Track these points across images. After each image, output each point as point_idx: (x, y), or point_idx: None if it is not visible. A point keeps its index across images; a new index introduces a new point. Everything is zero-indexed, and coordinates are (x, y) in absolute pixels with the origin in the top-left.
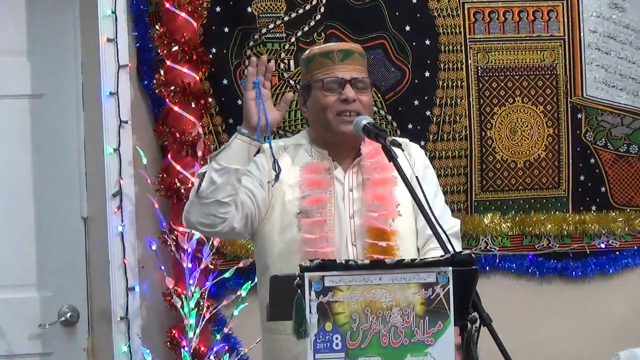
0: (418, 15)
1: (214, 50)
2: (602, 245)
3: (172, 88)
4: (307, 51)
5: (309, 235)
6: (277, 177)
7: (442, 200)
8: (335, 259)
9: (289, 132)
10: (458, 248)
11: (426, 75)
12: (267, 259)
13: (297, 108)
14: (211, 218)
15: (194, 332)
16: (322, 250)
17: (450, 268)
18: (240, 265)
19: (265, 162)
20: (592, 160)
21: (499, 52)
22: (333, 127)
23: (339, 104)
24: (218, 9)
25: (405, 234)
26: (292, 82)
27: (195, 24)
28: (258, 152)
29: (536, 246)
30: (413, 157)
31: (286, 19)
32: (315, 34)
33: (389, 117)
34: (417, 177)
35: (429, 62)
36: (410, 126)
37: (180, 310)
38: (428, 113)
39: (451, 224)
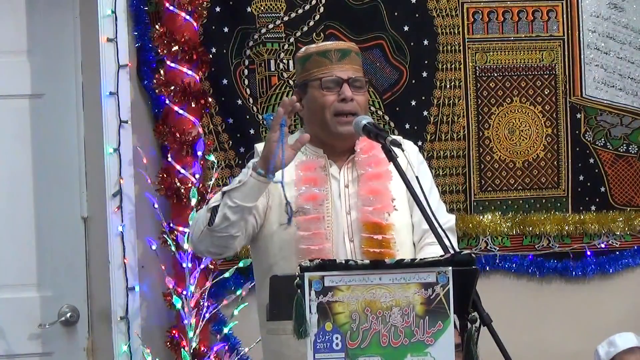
0: (417, 15)
1: (214, 50)
2: (602, 245)
3: (172, 88)
4: (303, 49)
5: (305, 233)
6: (289, 220)
7: (437, 196)
8: (335, 259)
9: (289, 132)
10: (454, 242)
11: (424, 75)
12: (271, 259)
13: None
14: (221, 248)
15: (194, 332)
16: (318, 247)
17: (450, 268)
18: (240, 265)
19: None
20: (592, 160)
21: (497, 52)
22: (330, 127)
23: (337, 104)
24: (218, 9)
25: (400, 228)
26: (291, 82)
27: (195, 24)
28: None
29: (536, 246)
30: (408, 155)
31: (286, 19)
32: (314, 34)
33: (387, 117)
34: (417, 177)
35: (426, 62)
36: (407, 126)
37: (180, 310)
38: (425, 113)
39: (446, 219)
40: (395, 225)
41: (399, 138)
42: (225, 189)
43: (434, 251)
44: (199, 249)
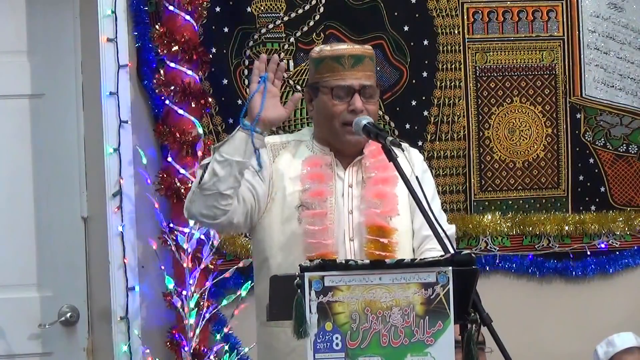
0: (417, 15)
1: (214, 50)
2: (602, 245)
3: (172, 88)
4: (318, 49)
5: (311, 227)
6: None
7: (439, 205)
8: (335, 259)
9: (289, 132)
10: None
11: (424, 75)
12: (267, 252)
13: (301, 107)
14: (212, 210)
15: (194, 332)
16: (323, 242)
17: (450, 268)
18: (240, 265)
19: (267, 158)
20: (592, 160)
21: (497, 52)
22: (339, 136)
23: (346, 114)
24: (218, 9)
25: (402, 232)
26: (291, 82)
27: (195, 24)
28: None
29: (536, 246)
30: (412, 161)
31: (286, 19)
32: (314, 34)
33: (387, 117)
34: (417, 177)
35: (426, 62)
36: (407, 126)
37: (180, 310)
38: (426, 113)
39: (446, 228)
40: (398, 229)
41: (405, 145)
42: (214, 145)
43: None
44: (192, 211)
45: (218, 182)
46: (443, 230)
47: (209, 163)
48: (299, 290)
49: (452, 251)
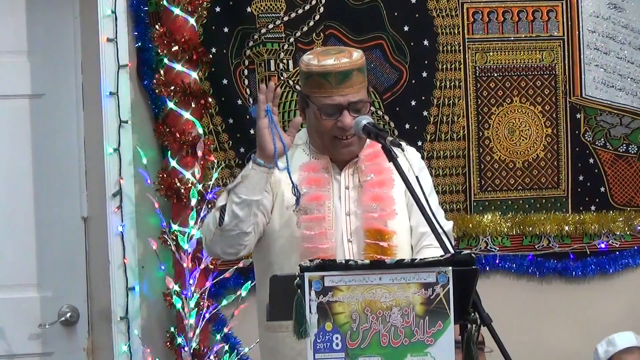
0: (417, 15)
1: (214, 50)
2: (602, 245)
3: (172, 88)
4: (306, 61)
5: (308, 232)
6: (297, 201)
7: (436, 201)
8: (335, 259)
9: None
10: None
11: (423, 75)
12: (271, 257)
13: (296, 108)
14: (236, 247)
15: (194, 332)
16: (321, 247)
17: (450, 268)
18: (240, 265)
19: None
20: (591, 160)
21: (497, 52)
22: (330, 149)
23: (336, 129)
24: (218, 9)
25: (400, 232)
26: (290, 82)
27: (195, 24)
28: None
29: (536, 246)
30: (410, 160)
31: (285, 19)
32: (314, 34)
33: (387, 117)
34: (417, 177)
35: (426, 62)
36: (407, 126)
37: (180, 310)
38: (425, 113)
39: (443, 224)
40: (396, 230)
41: (402, 144)
42: (229, 187)
43: (431, 254)
44: (215, 251)
45: (240, 223)
46: (441, 227)
47: (224, 205)
48: (299, 290)
49: (450, 248)
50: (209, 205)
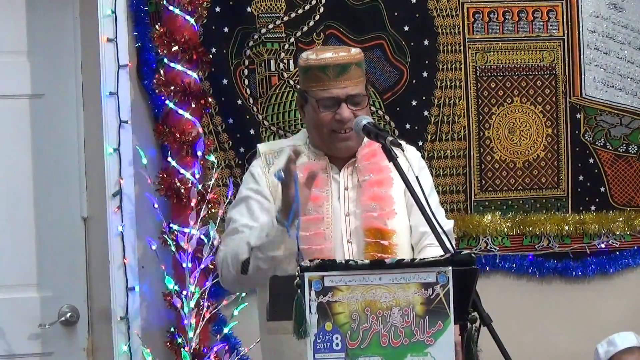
0: (417, 15)
1: (214, 50)
2: (602, 245)
3: (172, 88)
4: (305, 57)
5: (305, 233)
6: (299, 254)
7: (436, 200)
8: (335, 259)
9: (289, 132)
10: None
11: (424, 75)
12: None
13: (296, 109)
14: (254, 286)
15: (194, 332)
16: (318, 247)
17: (450, 268)
18: None
19: (260, 170)
20: (591, 160)
21: (497, 52)
22: (329, 143)
23: (334, 123)
24: (218, 9)
25: (400, 231)
26: (291, 82)
27: (195, 24)
28: (255, 153)
29: (536, 246)
30: (410, 159)
31: (286, 19)
32: (314, 34)
33: (387, 117)
34: (417, 177)
35: (427, 62)
36: (408, 126)
37: (180, 310)
38: (426, 113)
39: (444, 223)
40: (396, 230)
41: (402, 143)
42: (253, 243)
43: (432, 253)
44: (234, 290)
45: (263, 273)
46: (441, 227)
47: (247, 258)
48: (299, 290)
49: (450, 248)
50: (209, 205)
